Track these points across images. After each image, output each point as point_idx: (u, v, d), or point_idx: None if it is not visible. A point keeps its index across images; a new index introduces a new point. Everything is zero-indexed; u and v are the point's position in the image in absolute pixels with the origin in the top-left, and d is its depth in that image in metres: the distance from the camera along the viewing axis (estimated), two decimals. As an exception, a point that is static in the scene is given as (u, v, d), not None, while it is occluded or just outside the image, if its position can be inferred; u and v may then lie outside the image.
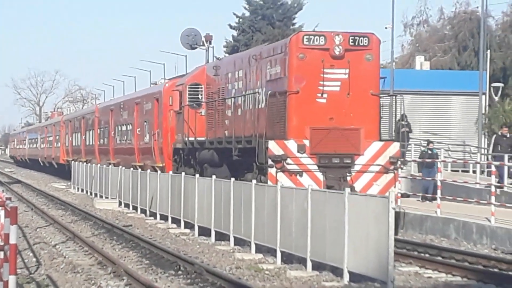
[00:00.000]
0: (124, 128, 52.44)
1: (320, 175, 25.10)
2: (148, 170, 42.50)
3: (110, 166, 52.85)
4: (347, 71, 25.60)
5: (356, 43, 25.90)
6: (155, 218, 36.27)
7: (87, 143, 65.22)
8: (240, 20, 79.24)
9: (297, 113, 25.50)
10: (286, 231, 22.81)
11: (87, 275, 22.22)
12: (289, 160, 24.72)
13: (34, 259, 25.08)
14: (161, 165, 41.56)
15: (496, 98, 57.02)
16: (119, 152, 53.46)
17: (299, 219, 22.05)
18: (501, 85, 58.95)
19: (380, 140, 27.01)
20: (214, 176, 30.88)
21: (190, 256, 24.34)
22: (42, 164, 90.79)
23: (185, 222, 32.14)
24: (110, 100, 71.39)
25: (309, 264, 21.24)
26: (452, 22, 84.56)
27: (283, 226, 23.01)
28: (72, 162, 66.69)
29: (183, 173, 35.44)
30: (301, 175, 24.84)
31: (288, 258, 22.73)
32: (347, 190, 21.31)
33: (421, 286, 19.18)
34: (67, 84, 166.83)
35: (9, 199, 16.22)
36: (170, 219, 34.20)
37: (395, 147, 26.56)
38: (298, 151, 24.78)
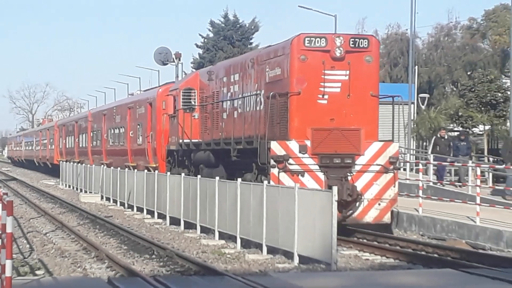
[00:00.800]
0: (117, 131, 49.22)
1: (321, 175, 22.03)
2: (126, 169, 41.95)
3: (94, 165, 52.39)
4: (348, 72, 22.41)
5: (356, 45, 22.71)
6: (132, 210, 36.10)
7: (80, 145, 62.30)
8: (205, 40, 79.38)
9: (298, 114, 22.30)
10: (245, 221, 22.89)
11: (74, 259, 22.12)
12: (291, 161, 21.64)
13: (28, 246, 24.93)
14: (154, 165, 38.81)
15: (423, 107, 57.59)
16: (111, 154, 50.45)
17: (256, 210, 22.13)
18: (427, 95, 59.72)
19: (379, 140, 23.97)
20: (183, 174, 30.58)
21: (162, 242, 24.32)
22: (37, 164, 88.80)
23: (158, 213, 32.04)
24: (103, 106, 67.48)
25: (264, 248, 21.37)
26: (385, 42, 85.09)
27: (242, 216, 23.07)
28: (60, 161, 66.04)
29: (156, 171, 35.39)
30: (302, 175, 21.80)
31: (246, 244, 22.80)
32: (297, 185, 21.11)
33: (360, 267, 19.25)
34: (56, 95, 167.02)
35: (6, 194, 16.18)
36: (145, 210, 34.03)
37: (394, 148, 23.48)
38: (299, 152, 21.74)
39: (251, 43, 76.77)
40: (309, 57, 22.35)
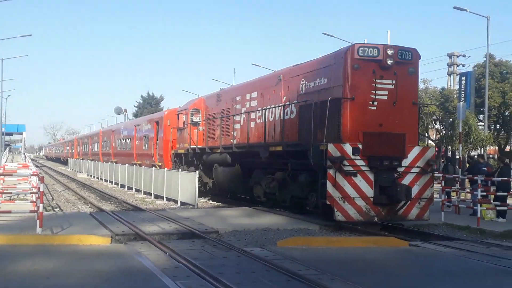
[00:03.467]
0: (123, 141, 38.38)
1: (371, 176, 12.88)
2: (99, 162, 40.33)
3: (83, 159, 49.96)
4: (394, 82, 13.39)
5: (403, 57, 13.60)
6: (103, 181, 35.06)
7: (93, 150, 51.88)
8: (138, 103, 77.72)
9: (352, 118, 13.08)
10: (156, 185, 22.64)
11: (73, 204, 21.83)
12: (345, 162, 12.72)
13: (50, 197, 24.21)
14: (159, 164, 27.85)
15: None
16: (118, 155, 39.24)
17: (162, 180, 21.87)
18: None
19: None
20: (124, 165, 29.17)
21: (117, 196, 23.86)
22: (61, 159, 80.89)
23: (115, 182, 31.21)
24: (111, 126, 53.58)
25: (165, 198, 21.17)
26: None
27: (155, 183, 22.80)
28: (68, 159, 62.57)
29: (114, 163, 33.84)
30: (355, 176, 12.76)
31: (156, 196, 22.47)
32: (180, 169, 20.53)
33: (207, 206, 19.14)
34: (66, 127, 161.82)
35: (40, 172, 16.10)
36: (108, 181, 33.17)
37: (431, 152, 14.04)
38: (352, 154, 12.84)
39: (159, 106, 75.58)
40: (362, 66, 13.32)
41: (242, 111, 18.31)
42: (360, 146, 13.00)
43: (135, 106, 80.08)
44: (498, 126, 41.13)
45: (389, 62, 13.36)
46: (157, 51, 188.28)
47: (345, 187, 12.75)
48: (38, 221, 11.27)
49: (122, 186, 28.93)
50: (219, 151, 19.45)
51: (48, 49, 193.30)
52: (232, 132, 18.89)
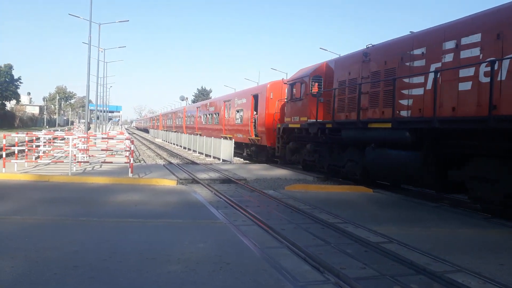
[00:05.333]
0: (209, 116, 27.29)
1: None
2: (171, 132, 38.64)
3: (159, 130, 49.28)
4: None
5: None
6: (173, 144, 34.82)
7: (177, 124, 40.46)
8: (195, 93, 78.05)
9: None
10: (207, 148, 22.35)
11: (153, 158, 21.85)
12: None
13: (138, 153, 24.37)
14: (257, 138, 18.54)
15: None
16: (203, 129, 28.80)
17: (210, 144, 21.58)
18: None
19: None
20: (186, 134, 29.24)
21: (181, 154, 23.79)
22: (147, 130, 76.50)
23: (180, 145, 30.91)
24: (195, 104, 38.68)
25: (212, 156, 20.94)
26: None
27: (206, 147, 22.54)
28: (150, 129, 63.02)
29: (179, 133, 33.04)
30: None
31: (206, 155, 22.24)
32: (222, 139, 20.15)
33: (239, 163, 18.61)
34: (148, 108, 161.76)
35: (131, 137, 16.31)
36: (177, 144, 32.83)
37: None
38: None
39: (209, 96, 75.03)
40: None
41: (432, 69, 7.98)
42: None
43: (192, 95, 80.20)
44: None
45: None
46: (208, 56, 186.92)
47: None
48: (129, 169, 11.36)
49: (184, 148, 28.84)
50: (381, 126, 9.19)
51: (138, 48, 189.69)
52: (407, 101, 8.55)
